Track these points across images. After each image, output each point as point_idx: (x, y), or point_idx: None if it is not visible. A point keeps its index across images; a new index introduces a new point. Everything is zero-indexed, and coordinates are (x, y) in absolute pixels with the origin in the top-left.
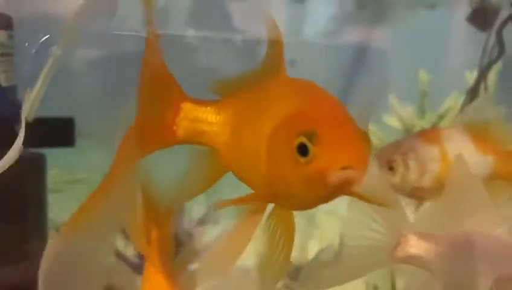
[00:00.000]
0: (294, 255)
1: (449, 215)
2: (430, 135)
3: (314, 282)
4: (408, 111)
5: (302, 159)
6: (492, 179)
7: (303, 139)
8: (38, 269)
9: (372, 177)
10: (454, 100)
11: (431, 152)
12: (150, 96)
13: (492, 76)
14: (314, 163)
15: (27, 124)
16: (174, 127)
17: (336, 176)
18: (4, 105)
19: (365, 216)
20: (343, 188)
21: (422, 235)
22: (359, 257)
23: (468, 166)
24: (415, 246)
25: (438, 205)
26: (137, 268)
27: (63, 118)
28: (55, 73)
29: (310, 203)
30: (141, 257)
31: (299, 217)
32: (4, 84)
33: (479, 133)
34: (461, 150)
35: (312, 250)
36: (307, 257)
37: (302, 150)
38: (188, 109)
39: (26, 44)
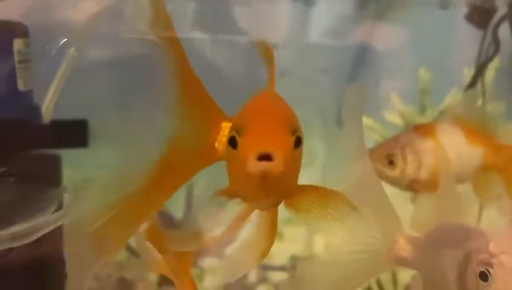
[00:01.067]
0: (300, 249)
1: (443, 209)
2: (425, 129)
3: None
4: (409, 108)
5: (233, 151)
6: (483, 169)
7: (233, 133)
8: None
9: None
10: (454, 97)
11: (427, 145)
12: (191, 115)
13: (490, 73)
14: (240, 152)
15: (45, 126)
16: (216, 145)
17: (253, 162)
18: (22, 108)
19: (360, 223)
20: (262, 175)
21: (410, 238)
22: (359, 265)
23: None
24: (404, 249)
25: (433, 199)
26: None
27: (76, 120)
28: (69, 78)
29: (253, 197)
30: None
31: None
32: (22, 89)
33: (469, 126)
34: (454, 142)
35: (317, 244)
36: (312, 250)
37: (232, 142)
38: (227, 127)
39: (47, 47)
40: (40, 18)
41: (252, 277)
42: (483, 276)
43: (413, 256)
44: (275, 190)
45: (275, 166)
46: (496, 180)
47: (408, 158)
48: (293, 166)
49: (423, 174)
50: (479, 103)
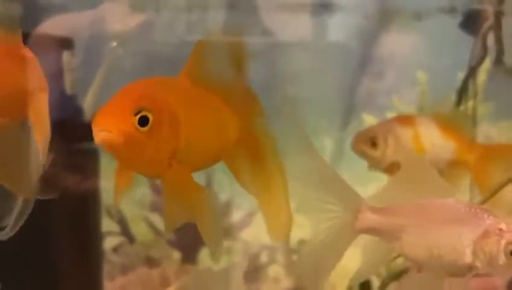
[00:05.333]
0: (308, 234)
1: (402, 193)
2: (406, 119)
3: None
4: (408, 108)
5: None
6: (454, 164)
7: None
8: None
9: None
10: (448, 98)
11: (406, 133)
12: None
13: (481, 76)
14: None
15: (87, 124)
16: None
17: (95, 136)
18: (69, 109)
19: (321, 201)
20: (106, 146)
21: (374, 209)
22: (328, 242)
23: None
24: (369, 219)
25: (392, 184)
26: (173, 243)
27: None
28: (107, 81)
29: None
30: (177, 233)
31: None
32: (69, 93)
33: (445, 123)
34: (429, 134)
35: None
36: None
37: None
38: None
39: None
40: (96, 29)
41: (264, 257)
42: None
43: (379, 225)
44: (129, 160)
45: (111, 137)
46: (464, 175)
47: (389, 142)
48: (145, 142)
49: (402, 158)
50: (470, 103)
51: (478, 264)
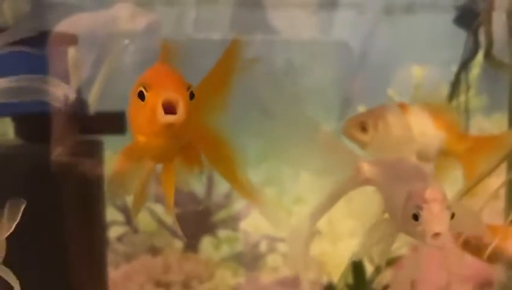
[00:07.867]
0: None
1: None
2: (398, 106)
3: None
4: (404, 101)
5: (141, 103)
6: (444, 154)
7: (141, 88)
8: None
9: None
10: (443, 91)
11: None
12: None
13: (475, 69)
14: (148, 103)
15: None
16: None
17: (160, 107)
18: (74, 103)
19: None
20: (170, 117)
21: (371, 162)
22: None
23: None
24: (367, 171)
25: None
26: (175, 233)
27: (116, 112)
28: (111, 77)
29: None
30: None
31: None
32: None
33: (436, 113)
34: (420, 122)
35: (321, 220)
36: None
37: (140, 95)
38: None
39: (126, 42)
40: (108, 28)
41: (263, 247)
42: (415, 217)
43: (378, 176)
44: (176, 132)
45: (177, 106)
46: (455, 166)
47: (379, 127)
48: (190, 115)
49: None
50: (463, 96)
51: (406, 226)
